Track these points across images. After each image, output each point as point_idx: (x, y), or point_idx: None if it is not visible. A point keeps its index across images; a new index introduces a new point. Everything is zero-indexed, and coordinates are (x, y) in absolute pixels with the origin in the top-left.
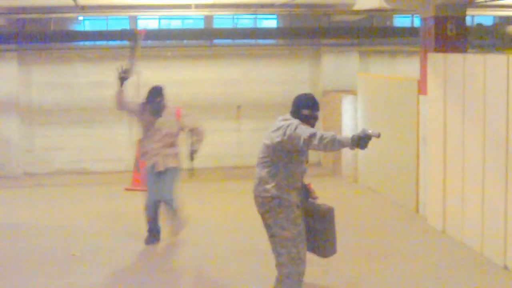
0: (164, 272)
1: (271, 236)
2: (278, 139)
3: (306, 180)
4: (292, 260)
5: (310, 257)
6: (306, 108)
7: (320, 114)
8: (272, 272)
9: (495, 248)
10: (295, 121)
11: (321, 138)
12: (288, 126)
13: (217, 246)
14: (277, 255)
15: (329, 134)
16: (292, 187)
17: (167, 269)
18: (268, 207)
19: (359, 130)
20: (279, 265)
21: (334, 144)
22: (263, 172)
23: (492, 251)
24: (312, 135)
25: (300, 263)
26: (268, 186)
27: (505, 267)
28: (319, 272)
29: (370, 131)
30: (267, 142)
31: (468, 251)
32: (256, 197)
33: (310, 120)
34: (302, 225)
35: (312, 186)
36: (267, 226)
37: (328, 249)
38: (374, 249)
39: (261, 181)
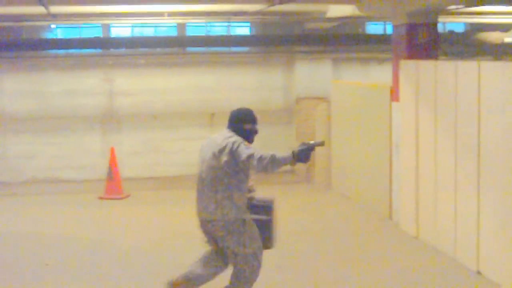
0: (138, 280)
1: (234, 254)
2: (225, 159)
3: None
4: (253, 272)
5: (293, 265)
6: (248, 122)
7: (294, 121)
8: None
9: (468, 253)
10: (238, 139)
11: (260, 159)
12: (232, 143)
13: (193, 253)
14: (239, 270)
15: (267, 154)
16: (245, 204)
17: (141, 277)
18: (231, 229)
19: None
20: (238, 274)
21: (274, 164)
22: (218, 196)
23: (465, 256)
24: (251, 156)
25: (259, 269)
26: (228, 210)
27: (478, 272)
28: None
29: (311, 142)
30: (213, 163)
31: (441, 256)
32: (216, 221)
33: (252, 134)
34: (258, 236)
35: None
36: (225, 248)
37: (275, 239)
38: (348, 255)
39: (219, 205)
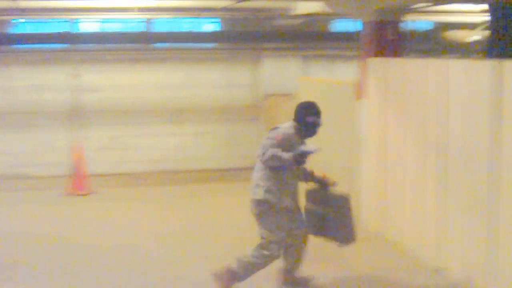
0: (102, 277)
1: (260, 236)
2: (261, 145)
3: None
4: (273, 259)
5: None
6: (311, 115)
7: (262, 117)
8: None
9: (432, 251)
10: (277, 134)
11: (268, 158)
12: (269, 136)
13: (157, 250)
14: (261, 253)
15: (270, 152)
16: (284, 192)
17: (105, 274)
18: (260, 210)
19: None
20: (253, 252)
21: (274, 160)
22: (257, 175)
23: (429, 255)
24: (261, 155)
25: (271, 260)
26: (260, 190)
27: (440, 270)
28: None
29: (306, 149)
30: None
31: (406, 254)
32: (251, 199)
33: (314, 127)
34: (287, 228)
35: (326, 174)
36: (258, 226)
37: (350, 235)
38: (311, 253)
39: (255, 184)
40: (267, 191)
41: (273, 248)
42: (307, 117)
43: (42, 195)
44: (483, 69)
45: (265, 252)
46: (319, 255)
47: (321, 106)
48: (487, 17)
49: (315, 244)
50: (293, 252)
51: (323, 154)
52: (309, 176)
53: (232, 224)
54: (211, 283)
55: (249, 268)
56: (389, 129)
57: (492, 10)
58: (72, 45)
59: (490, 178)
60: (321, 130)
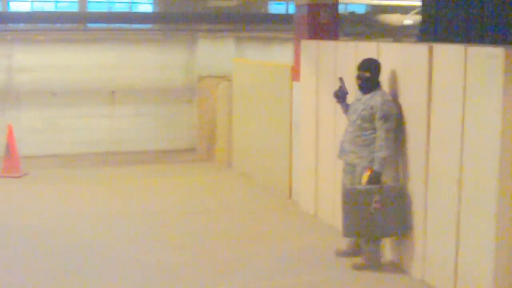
0: (34, 259)
1: None
2: None
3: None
4: None
5: (192, 246)
6: None
7: (196, 99)
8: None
9: None
10: None
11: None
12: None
13: (90, 232)
14: None
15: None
16: None
17: (34, 257)
18: None
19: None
20: None
21: None
22: None
23: None
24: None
25: None
26: None
27: None
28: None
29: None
30: None
31: (338, 234)
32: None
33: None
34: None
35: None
36: None
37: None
38: (247, 234)
39: None
40: None
41: None
42: None
43: None
44: (413, 52)
45: None
46: (254, 236)
47: (257, 89)
48: (419, 2)
49: (249, 225)
50: None
51: (260, 137)
52: None
53: (167, 206)
54: (142, 265)
55: None
56: (321, 111)
57: None
58: (3, 24)
59: (424, 156)
60: (257, 112)
